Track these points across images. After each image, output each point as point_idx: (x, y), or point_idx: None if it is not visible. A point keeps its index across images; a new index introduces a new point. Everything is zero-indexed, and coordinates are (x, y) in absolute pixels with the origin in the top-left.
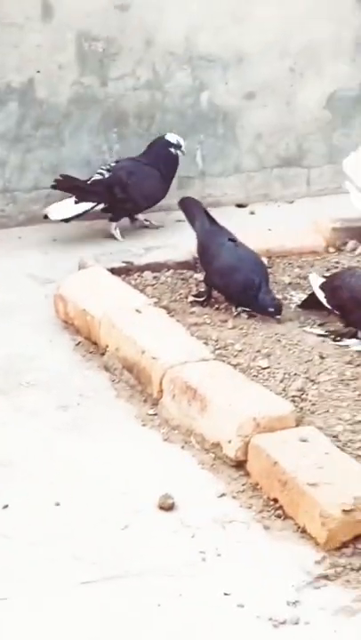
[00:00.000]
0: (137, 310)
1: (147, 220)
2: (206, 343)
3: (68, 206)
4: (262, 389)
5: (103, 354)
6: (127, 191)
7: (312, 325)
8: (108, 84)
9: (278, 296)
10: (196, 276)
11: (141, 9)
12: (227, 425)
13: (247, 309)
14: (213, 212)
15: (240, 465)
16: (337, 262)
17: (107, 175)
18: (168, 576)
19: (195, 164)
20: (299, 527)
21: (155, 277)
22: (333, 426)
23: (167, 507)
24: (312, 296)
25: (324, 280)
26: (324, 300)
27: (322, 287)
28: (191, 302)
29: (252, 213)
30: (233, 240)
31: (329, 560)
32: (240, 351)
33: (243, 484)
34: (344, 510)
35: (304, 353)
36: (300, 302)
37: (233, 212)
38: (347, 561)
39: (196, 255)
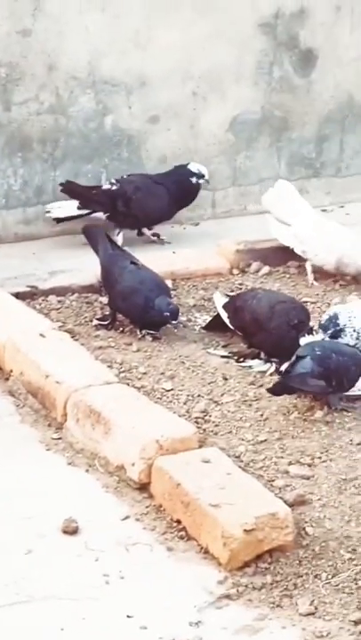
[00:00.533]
0: (41, 335)
1: (154, 235)
2: (111, 366)
3: (69, 207)
4: (165, 412)
5: (7, 379)
6: (130, 206)
7: (216, 347)
8: (12, 109)
9: (183, 318)
10: (100, 299)
11: (43, 34)
12: (130, 448)
13: (151, 332)
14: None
15: (144, 487)
16: (241, 284)
17: (113, 187)
18: (72, 600)
19: None
20: (202, 548)
21: (59, 301)
22: (236, 446)
23: (71, 531)
24: (216, 317)
25: (227, 300)
26: (227, 321)
27: (225, 307)
28: (96, 326)
29: (156, 235)
30: (135, 263)
31: (231, 580)
32: (144, 374)
33: (146, 507)
34: (246, 530)
35: (208, 374)
36: (204, 324)
37: None
38: (248, 580)
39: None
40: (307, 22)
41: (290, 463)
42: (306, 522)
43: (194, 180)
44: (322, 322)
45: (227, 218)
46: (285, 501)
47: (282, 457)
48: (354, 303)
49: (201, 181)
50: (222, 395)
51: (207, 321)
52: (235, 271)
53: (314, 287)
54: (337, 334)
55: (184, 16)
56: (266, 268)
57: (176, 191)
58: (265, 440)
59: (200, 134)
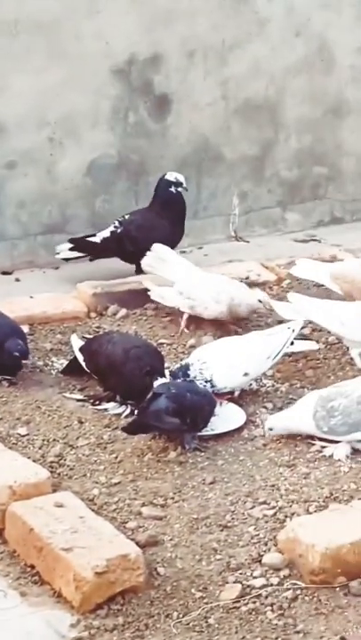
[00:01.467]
0: None
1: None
2: None
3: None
4: (19, 457)
5: None
6: (137, 244)
7: (72, 391)
8: None
9: (40, 362)
10: None
11: None
12: None
13: (7, 377)
14: None
15: None
16: (98, 327)
17: (119, 230)
18: None
19: None
20: (55, 592)
21: None
22: (90, 489)
23: None
24: (74, 361)
25: (83, 343)
26: (83, 364)
27: (81, 351)
28: None
29: (17, 280)
30: None
31: (84, 622)
32: (0, 419)
33: (0, 553)
34: (97, 572)
35: (63, 418)
36: (61, 368)
37: None
38: (101, 622)
39: None
40: (161, 68)
41: (143, 504)
42: (158, 562)
43: (173, 189)
44: (173, 369)
45: (87, 261)
46: (137, 543)
47: (135, 498)
48: (210, 350)
49: (180, 189)
50: (77, 438)
51: (64, 365)
52: (92, 314)
53: (168, 329)
54: None
55: (37, 62)
56: (123, 311)
57: (169, 212)
58: (119, 482)
59: (58, 179)
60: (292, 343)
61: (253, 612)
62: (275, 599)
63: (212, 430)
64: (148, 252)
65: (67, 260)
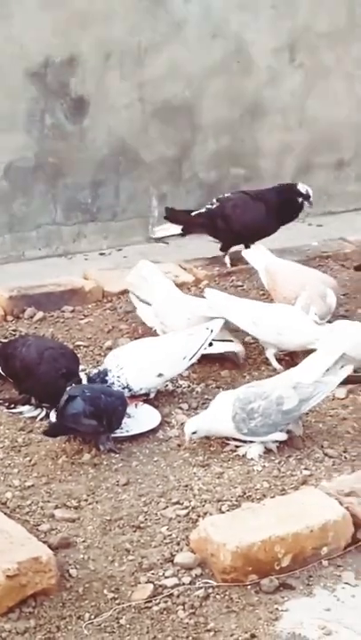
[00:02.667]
0: None
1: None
2: None
3: (170, 228)
4: None
5: None
6: (228, 222)
7: None
8: None
9: None
10: None
11: None
12: None
13: None
14: None
15: None
16: (15, 330)
17: (214, 206)
18: None
19: None
20: None
21: None
22: (3, 493)
23: None
24: None
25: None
26: None
27: None
28: None
29: None
30: None
31: None
32: None
33: None
34: (8, 576)
35: None
36: None
37: None
38: (12, 626)
39: None
40: (77, 70)
41: (56, 507)
42: (70, 564)
43: (300, 200)
44: (91, 375)
45: (4, 264)
46: (50, 545)
47: (48, 501)
48: (125, 352)
49: (306, 203)
50: None
51: None
52: (9, 317)
53: (85, 331)
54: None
55: None
56: (40, 314)
57: (278, 207)
58: (32, 485)
59: None
60: (210, 344)
61: (165, 612)
62: (186, 598)
63: (128, 432)
64: (132, 270)
65: (159, 239)
